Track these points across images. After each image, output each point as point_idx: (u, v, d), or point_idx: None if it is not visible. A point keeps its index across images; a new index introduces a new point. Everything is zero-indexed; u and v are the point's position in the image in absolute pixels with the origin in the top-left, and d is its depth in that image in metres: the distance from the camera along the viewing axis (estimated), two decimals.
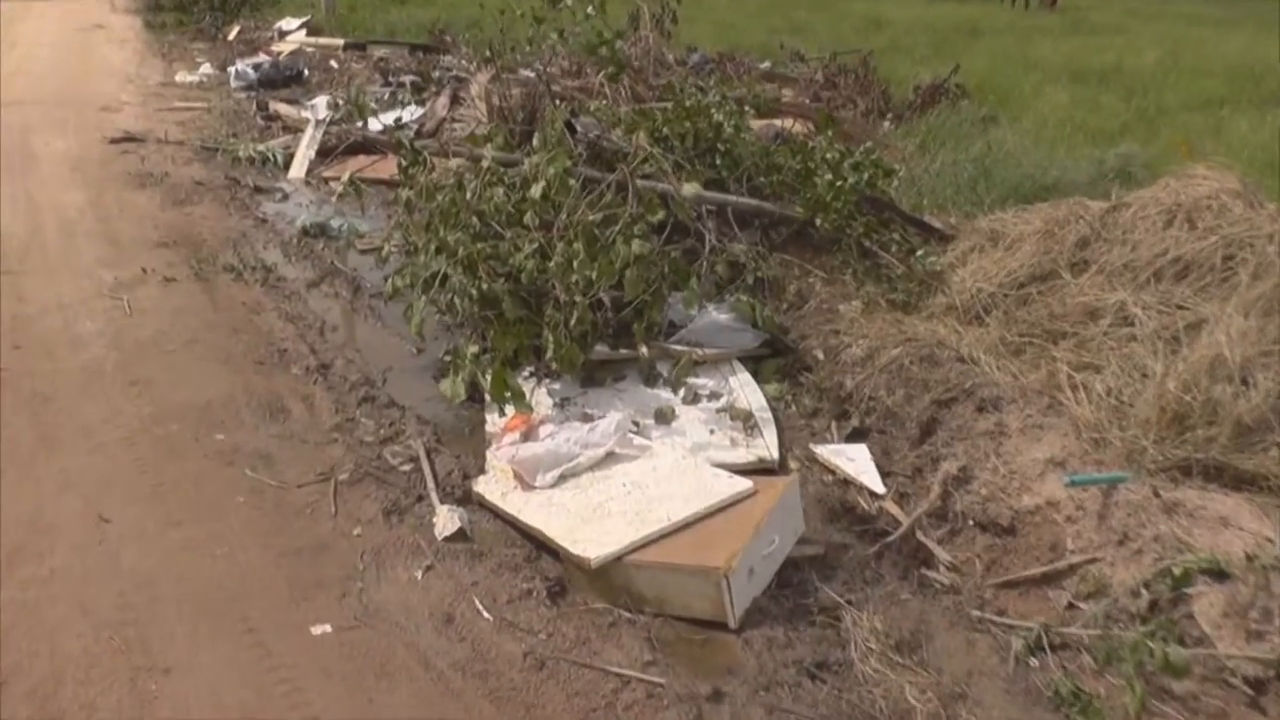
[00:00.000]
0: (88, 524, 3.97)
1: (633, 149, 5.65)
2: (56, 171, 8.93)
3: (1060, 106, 11.37)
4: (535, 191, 4.89)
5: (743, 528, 3.58)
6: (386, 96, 11.15)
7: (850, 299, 5.70)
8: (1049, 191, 7.43)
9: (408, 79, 11.41)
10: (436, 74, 11.53)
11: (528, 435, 4.23)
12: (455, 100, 10.15)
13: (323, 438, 4.63)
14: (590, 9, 6.65)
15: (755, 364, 5.26)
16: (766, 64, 13.15)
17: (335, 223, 7.51)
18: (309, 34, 17.14)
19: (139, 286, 6.36)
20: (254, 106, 11.37)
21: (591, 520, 3.75)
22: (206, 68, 14.68)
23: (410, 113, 10.03)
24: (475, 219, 5.02)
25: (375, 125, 9.78)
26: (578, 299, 4.57)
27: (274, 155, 9.48)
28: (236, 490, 4.21)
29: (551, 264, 4.64)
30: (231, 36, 17.53)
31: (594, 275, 4.60)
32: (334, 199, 8.37)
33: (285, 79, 13.62)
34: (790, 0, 24.08)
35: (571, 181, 5.17)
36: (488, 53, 9.24)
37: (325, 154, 9.43)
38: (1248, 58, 14.12)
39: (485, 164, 5.36)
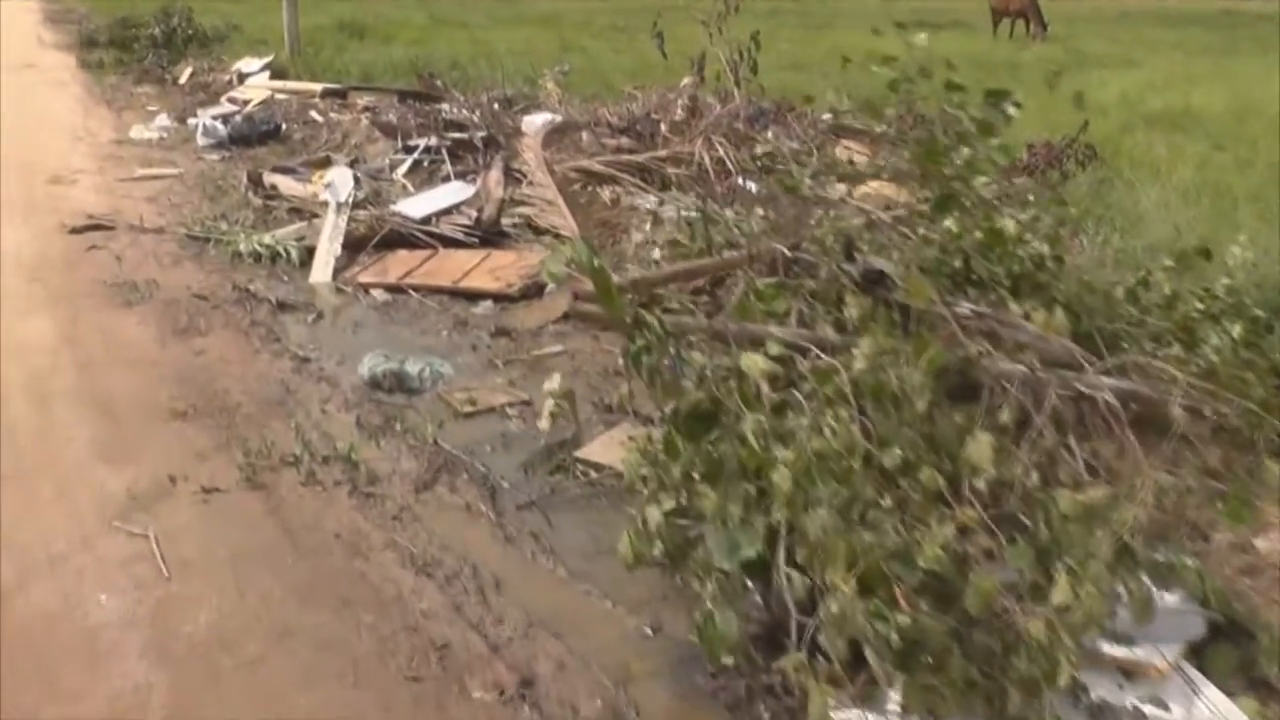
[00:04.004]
0: None
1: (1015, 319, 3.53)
2: (11, 283, 6.57)
3: (1165, 161, 9.63)
4: (980, 454, 2.72)
5: None
6: (406, 166, 8.91)
7: (1269, 530, 3.70)
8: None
9: (428, 141, 9.15)
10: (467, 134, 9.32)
11: None
12: (509, 174, 7.97)
13: None
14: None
15: (1196, 654, 3.23)
16: (828, 115, 11.12)
17: (412, 366, 5.31)
18: (272, 77, 14.79)
19: (167, 505, 4.10)
20: (243, 178, 9.02)
21: None
22: (163, 119, 12.30)
23: (454, 191, 7.84)
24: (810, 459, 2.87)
25: (410, 208, 7.59)
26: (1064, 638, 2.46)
27: (286, 250, 7.21)
28: None
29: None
30: (183, 79, 15.08)
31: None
32: (380, 316, 6.21)
33: (261, 134, 11.37)
34: (773, 34, 22.31)
35: (903, 374, 3.06)
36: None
37: (352, 246, 7.21)
38: None
39: (772, 351, 3.21)
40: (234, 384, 5.21)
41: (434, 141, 8.89)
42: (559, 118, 10.92)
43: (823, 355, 3.25)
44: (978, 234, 4.09)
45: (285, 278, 6.87)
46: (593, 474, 4.34)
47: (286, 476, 4.32)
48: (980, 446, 2.73)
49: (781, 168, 8.13)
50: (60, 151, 10.41)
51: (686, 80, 11.43)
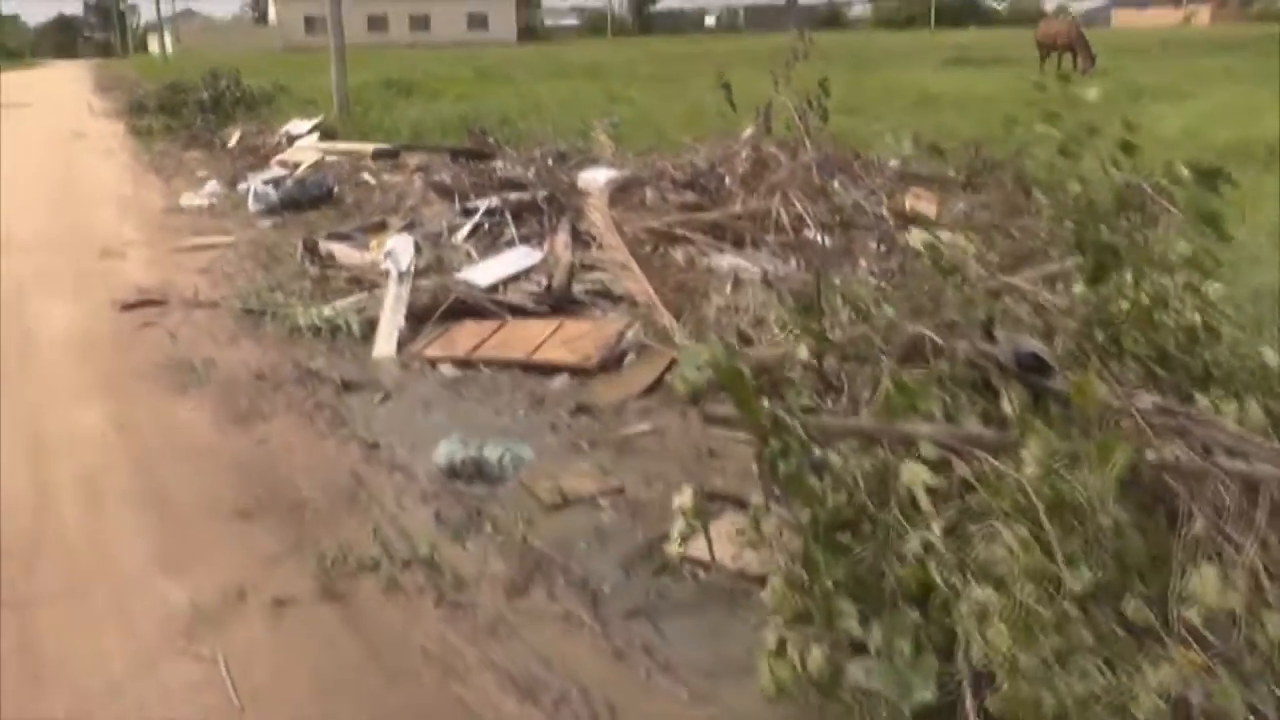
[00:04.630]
0: None
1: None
2: (61, 366, 6.29)
3: (1245, 198, 9.10)
4: (1207, 589, 2.25)
5: None
6: (467, 229, 8.58)
7: None
8: None
9: (489, 202, 8.80)
10: (528, 194, 8.98)
11: None
12: (576, 236, 7.62)
13: None
14: None
15: None
16: (895, 162, 10.71)
17: (491, 452, 4.92)
18: (322, 138, 14.70)
19: (236, 620, 3.71)
20: (298, 246, 8.75)
21: None
22: (213, 185, 12.14)
23: (520, 257, 7.49)
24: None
25: (475, 276, 7.25)
26: None
27: (347, 323, 6.88)
28: None
29: None
30: (232, 143, 14.99)
31: None
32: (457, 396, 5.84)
33: (313, 199, 11.15)
34: (820, 73, 22.20)
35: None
36: None
37: (416, 317, 6.86)
38: None
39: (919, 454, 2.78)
40: (301, 476, 4.84)
41: (495, 203, 8.54)
42: (615, 172, 10.63)
43: (985, 457, 2.80)
44: (1123, 304, 3.64)
45: (347, 353, 6.53)
46: (701, 574, 3.92)
47: (365, 584, 3.93)
48: (1206, 580, 2.29)
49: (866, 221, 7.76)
50: (110, 223, 10.24)
51: (749, 130, 11.10)
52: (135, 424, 5.42)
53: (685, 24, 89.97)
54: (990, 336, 3.48)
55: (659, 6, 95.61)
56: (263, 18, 75.09)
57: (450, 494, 4.66)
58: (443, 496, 4.63)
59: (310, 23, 64.35)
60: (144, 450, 5.11)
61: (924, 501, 2.61)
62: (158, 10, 61.11)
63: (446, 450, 4.92)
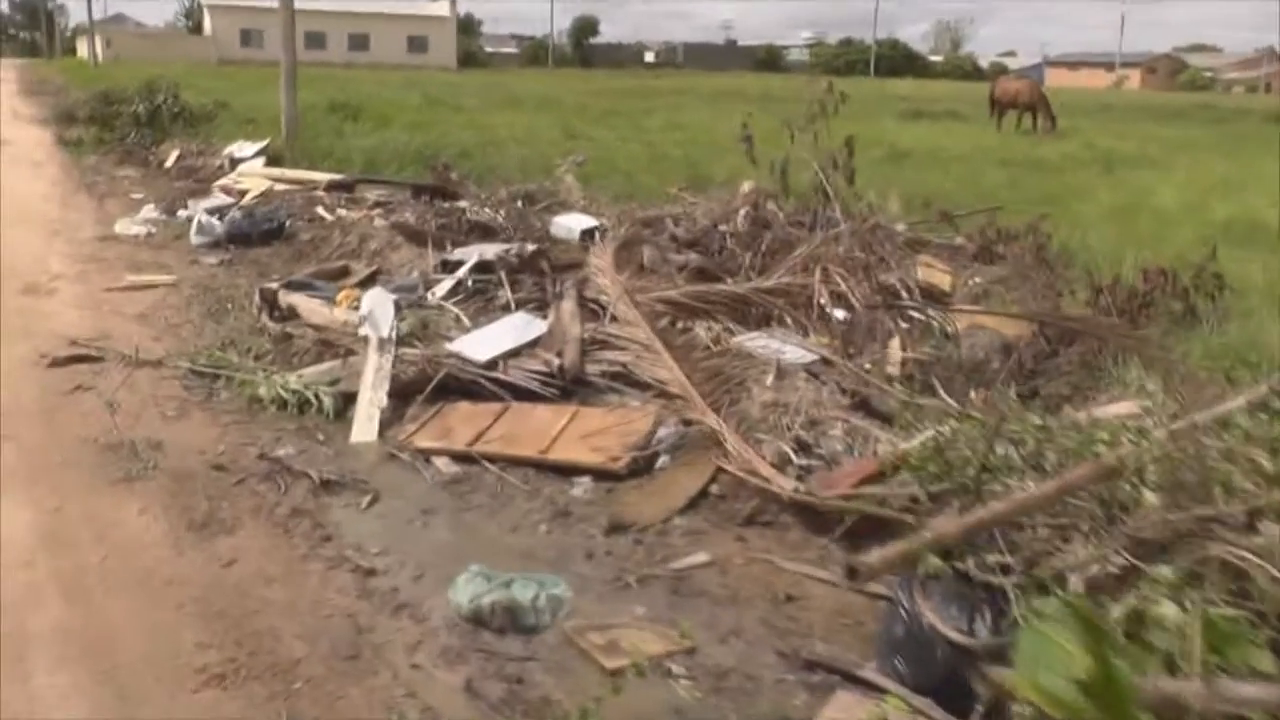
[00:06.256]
0: None
1: None
2: None
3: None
4: None
5: None
6: (448, 287, 7.54)
7: None
8: None
9: (484, 254, 7.77)
10: (514, 245, 7.98)
11: None
12: (584, 304, 6.65)
13: None
14: None
15: None
16: (902, 226, 9.91)
17: (522, 591, 3.92)
18: (268, 163, 13.52)
19: None
20: (250, 292, 7.68)
21: None
22: (150, 210, 11.00)
23: (521, 327, 6.49)
24: None
25: (471, 349, 6.23)
26: None
27: (317, 396, 5.83)
28: None
29: None
30: (170, 163, 13.78)
31: None
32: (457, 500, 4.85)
33: (263, 233, 10.06)
34: (765, 116, 21.61)
35: None
36: None
37: (398, 394, 5.84)
38: None
39: None
40: (283, 620, 3.80)
41: (488, 256, 7.52)
42: (590, 219, 9.81)
43: None
44: None
45: (320, 436, 5.49)
46: None
47: None
48: None
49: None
50: (35, 250, 9.06)
51: (747, 186, 10.28)
52: (67, 535, 4.32)
53: (624, 57, 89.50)
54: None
55: (598, 39, 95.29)
56: (197, 28, 72.99)
57: (479, 651, 3.67)
58: (470, 655, 3.65)
59: (246, 35, 62.62)
60: (79, 575, 4.03)
61: None
62: (89, 12, 58.94)
63: (469, 590, 3.92)
